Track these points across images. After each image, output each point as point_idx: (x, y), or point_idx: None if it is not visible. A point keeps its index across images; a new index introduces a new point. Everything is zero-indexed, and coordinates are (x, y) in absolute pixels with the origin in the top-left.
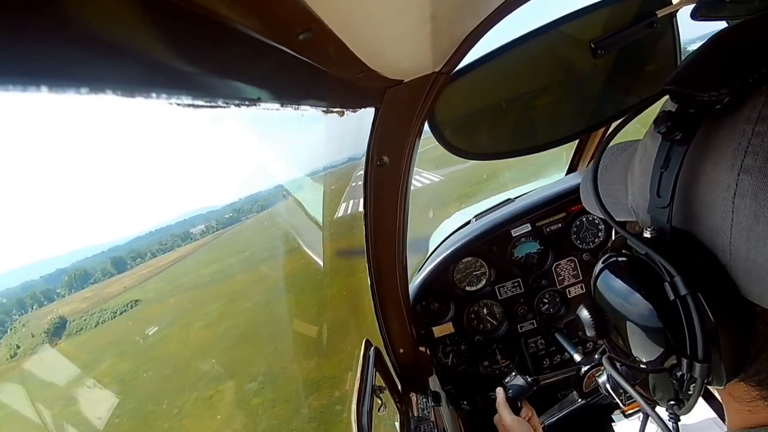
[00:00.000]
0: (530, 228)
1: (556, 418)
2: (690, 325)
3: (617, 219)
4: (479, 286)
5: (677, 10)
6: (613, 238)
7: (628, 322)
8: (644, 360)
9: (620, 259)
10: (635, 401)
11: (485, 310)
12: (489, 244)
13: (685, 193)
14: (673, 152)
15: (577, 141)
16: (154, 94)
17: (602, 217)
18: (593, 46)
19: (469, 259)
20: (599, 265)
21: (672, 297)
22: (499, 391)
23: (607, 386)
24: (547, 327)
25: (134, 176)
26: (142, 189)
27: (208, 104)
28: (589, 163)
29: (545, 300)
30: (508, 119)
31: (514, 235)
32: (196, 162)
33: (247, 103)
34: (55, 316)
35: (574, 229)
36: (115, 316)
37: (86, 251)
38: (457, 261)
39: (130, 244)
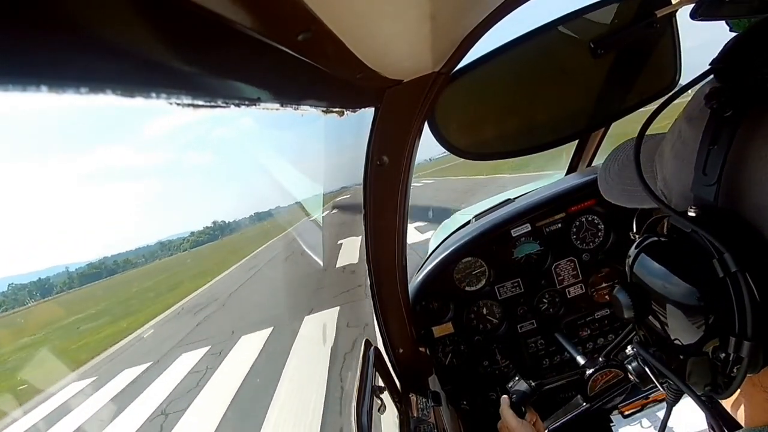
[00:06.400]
0: (530, 228)
1: (561, 422)
2: (740, 302)
3: (635, 207)
4: (479, 286)
5: (677, 10)
6: (640, 223)
7: (668, 304)
8: (684, 343)
9: (660, 239)
10: (638, 399)
11: (485, 310)
12: (489, 244)
13: (731, 171)
14: (723, 130)
15: (576, 141)
16: (153, 94)
17: (624, 205)
18: (592, 45)
19: (469, 259)
20: (634, 250)
21: (721, 274)
22: (504, 398)
23: (635, 373)
24: (547, 327)
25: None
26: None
27: (208, 104)
28: (589, 163)
29: (545, 300)
30: (508, 119)
31: (513, 236)
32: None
33: (246, 103)
34: None
35: (574, 230)
36: None
37: None
38: (457, 261)
39: None
